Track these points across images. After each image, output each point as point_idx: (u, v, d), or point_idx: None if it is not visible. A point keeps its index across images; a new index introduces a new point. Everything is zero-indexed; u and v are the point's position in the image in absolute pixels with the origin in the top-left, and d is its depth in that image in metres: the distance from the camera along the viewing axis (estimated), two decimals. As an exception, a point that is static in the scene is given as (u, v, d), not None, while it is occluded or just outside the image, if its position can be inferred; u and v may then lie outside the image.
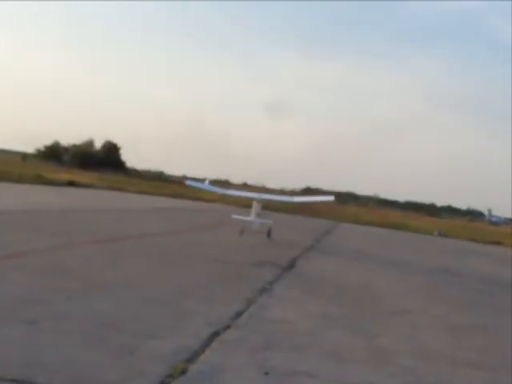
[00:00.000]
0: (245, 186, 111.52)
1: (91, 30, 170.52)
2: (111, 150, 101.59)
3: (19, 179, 47.96)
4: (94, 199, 43.71)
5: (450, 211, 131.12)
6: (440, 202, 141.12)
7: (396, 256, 30.31)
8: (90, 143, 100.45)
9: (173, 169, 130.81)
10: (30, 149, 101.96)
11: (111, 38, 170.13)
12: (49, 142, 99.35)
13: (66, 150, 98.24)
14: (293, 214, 59.76)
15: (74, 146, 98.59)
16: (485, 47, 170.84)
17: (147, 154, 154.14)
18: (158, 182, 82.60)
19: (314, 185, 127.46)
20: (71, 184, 55.27)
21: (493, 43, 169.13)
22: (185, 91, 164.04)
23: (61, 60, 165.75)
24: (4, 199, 32.25)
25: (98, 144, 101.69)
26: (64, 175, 60.04)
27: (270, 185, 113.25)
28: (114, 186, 61.33)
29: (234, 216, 27.64)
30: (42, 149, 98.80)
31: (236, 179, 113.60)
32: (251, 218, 27.62)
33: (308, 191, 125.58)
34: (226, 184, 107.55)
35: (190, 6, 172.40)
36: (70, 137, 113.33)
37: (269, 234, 28.03)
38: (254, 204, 28.05)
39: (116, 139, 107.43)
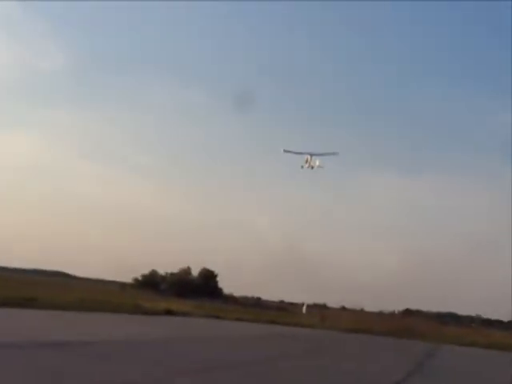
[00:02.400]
0: (343, 310, 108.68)
1: (186, 158, 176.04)
2: (208, 277, 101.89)
3: (118, 309, 47.99)
4: (192, 328, 42.88)
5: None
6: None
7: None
8: (187, 271, 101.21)
9: (270, 294, 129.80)
10: (127, 278, 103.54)
11: (209, 168, 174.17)
12: (146, 270, 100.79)
13: (163, 278, 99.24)
14: (389, 335, 57.10)
15: (171, 275, 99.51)
16: None
17: (244, 280, 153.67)
18: (255, 309, 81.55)
19: (413, 306, 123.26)
20: (169, 313, 54.95)
21: None
22: (279, 216, 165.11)
23: (154, 188, 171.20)
24: (102, 329, 31.83)
25: (195, 271, 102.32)
26: (162, 304, 59.96)
27: (369, 307, 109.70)
28: (211, 314, 60.63)
29: None
30: (140, 278, 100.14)
31: (333, 303, 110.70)
32: None
33: (408, 313, 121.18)
34: (323, 308, 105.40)
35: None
36: (167, 265, 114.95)
37: None
38: None
39: (212, 266, 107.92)
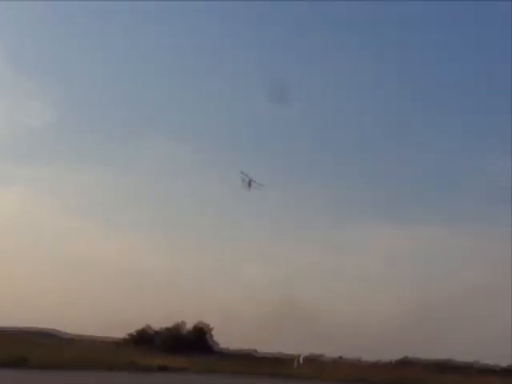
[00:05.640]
0: (340, 360, 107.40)
1: (173, 211, 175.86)
2: (202, 330, 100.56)
3: (112, 366, 47.41)
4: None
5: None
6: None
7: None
8: (180, 325, 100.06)
9: (266, 346, 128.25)
10: (121, 334, 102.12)
11: (196, 220, 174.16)
12: (140, 326, 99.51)
13: (156, 333, 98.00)
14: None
15: (165, 329, 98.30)
16: None
17: (239, 333, 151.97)
18: (251, 362, 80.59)
19: (411, 354, 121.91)
20: (164, 369, 54.40)
21: None
22: (274, 266, 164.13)
23: (146, 242, 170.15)
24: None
25: (189, 324, 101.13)
26: (157, 360, 59.34)
27: (366, 357, 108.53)
28: (206, 369, 59.98)
29: None
30: (133, 334, 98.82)
31: (330, 353, 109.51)
32: None
33: (405, 361, 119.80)
34: (320, 359, 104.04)
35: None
36: (160, 319, 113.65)
37: None
38: None
39: (206, 318, 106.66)
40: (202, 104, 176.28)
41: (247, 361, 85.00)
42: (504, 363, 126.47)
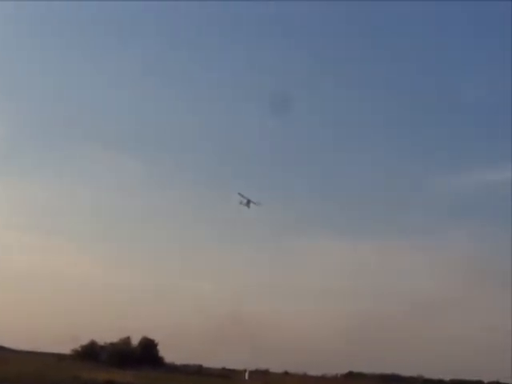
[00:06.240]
0: (286, 375, 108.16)
1: (121, 226, 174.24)
2: (148, 346, 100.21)
3: (56, 381, 47.16)
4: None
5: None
6: (487, 377, 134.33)
7: None
8: (126, 340, 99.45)
9: (212, 361, 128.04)
10: (66, 350, 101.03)
11: (146, 235, 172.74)
12: (85, 341, 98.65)
13: (102, 348, 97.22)
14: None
15: (111, 345, 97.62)
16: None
17: (185, 348, 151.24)
18: (197, 377, 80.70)
19: (356, 368, 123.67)
20: (110, 383, 54.20)
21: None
22: (221, 282, 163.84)
23: (93, 258, 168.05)
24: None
25: (136, 340, 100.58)
26: (102, 375, 58.98)
27: (312, 371, 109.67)
28: (152, 383, 59.95)
29: None
30: (79, 349, 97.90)
31: (276, 368, 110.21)
32: None
33: (351, 375, 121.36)
34: (266, 373, 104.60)
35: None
36: (107, 334, 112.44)
37: None
38: None
39: (153, 333, 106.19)
40: (153, 118, 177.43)
41: (194, 375, 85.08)
42: (447, 377, 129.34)
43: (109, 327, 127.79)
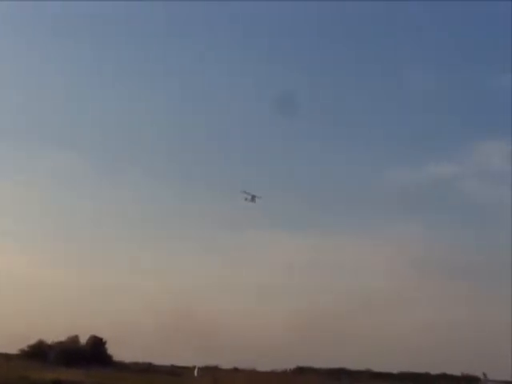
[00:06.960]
0: (235, 371, 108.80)
1: (64, 223, 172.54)
2: (96, 344, 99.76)
3: (3, 381, 46.87)
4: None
5: (445, 378, 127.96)
6: (434, 370, 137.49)
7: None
8: (74, 339, 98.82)
9: (161, 359, 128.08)
10: (13, 349, 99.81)
11: (97, 232, 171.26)
12: (33, 341, 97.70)
13: (50, 347, 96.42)
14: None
15: (59, 343, 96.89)
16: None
17: (134, 346, 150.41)
18: (146, 374, 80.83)
19: (305, 363, 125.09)
20: (58, 383, 54.04)
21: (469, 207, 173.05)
22: (171, 280, 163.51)
23: (39, 256, 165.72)
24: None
25: (83, 339, 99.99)
26: (49, 374, 58.72)
27: (262, 367, 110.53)
28: (101, 382, 59.94)
29: None
30: (26, 348, 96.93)
31: (226, 364, 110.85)
32: None
33: (299, 370, 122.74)
34: (215, 370, 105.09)
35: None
36: (54, 333, 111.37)
37: None
38: None
39: (101, 332, 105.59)
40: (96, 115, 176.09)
41: (143, 373, 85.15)
42: (395, 370, 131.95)
43: (57, 326, 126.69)
